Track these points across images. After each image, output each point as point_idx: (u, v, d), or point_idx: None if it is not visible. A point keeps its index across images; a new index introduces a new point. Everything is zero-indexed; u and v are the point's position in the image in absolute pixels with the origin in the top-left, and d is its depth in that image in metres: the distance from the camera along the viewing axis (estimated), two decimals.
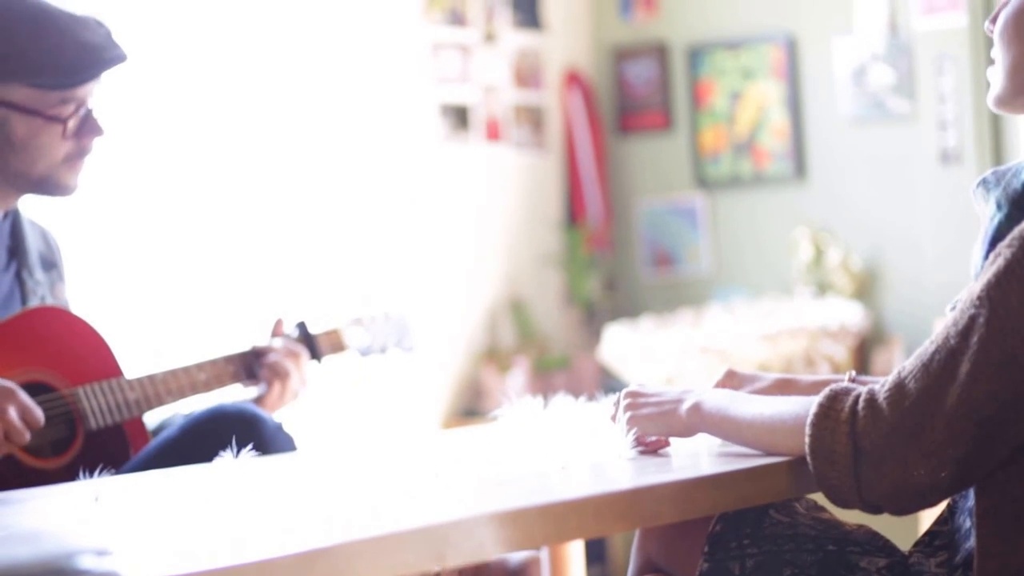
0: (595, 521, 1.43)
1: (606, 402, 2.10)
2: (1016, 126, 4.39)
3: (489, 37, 4.73)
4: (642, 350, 4.24)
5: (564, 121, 4.96)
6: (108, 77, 2.23)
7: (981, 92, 4.36)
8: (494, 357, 4.64)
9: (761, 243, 4.81)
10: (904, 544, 1.71)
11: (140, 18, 3.66)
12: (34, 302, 2.25)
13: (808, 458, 1.51)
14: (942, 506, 1.66)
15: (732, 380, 1.79)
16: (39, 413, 2.05)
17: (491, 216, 4.72)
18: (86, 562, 1.17)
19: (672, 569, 1.74)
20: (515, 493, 1.49)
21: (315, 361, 2.43)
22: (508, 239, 4.77)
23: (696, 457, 1.67)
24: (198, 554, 1.26)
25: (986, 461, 1.46)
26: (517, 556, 2.19)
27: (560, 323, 4.93)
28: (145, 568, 1.21)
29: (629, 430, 1.70)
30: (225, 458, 1.70)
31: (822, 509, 1.72)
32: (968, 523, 1.56)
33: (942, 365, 1.46)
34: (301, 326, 2.45)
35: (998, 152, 4.41)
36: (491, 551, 1.34)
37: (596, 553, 4.46)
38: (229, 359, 2.35)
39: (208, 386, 2.31)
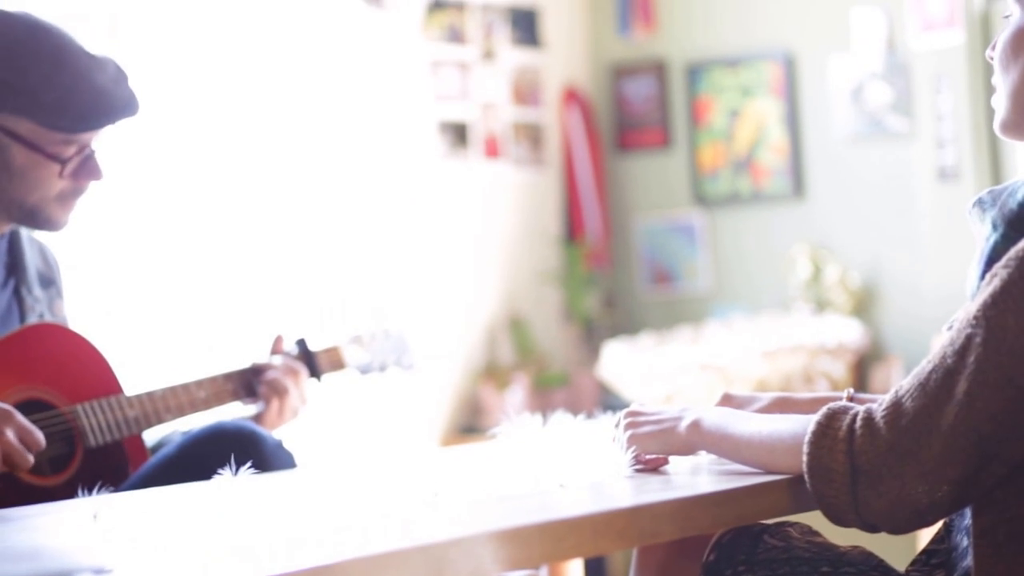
0: (594, 539, 1.43)
1: (605, 420, 2.10)
2: (1014, 144, 4.40)
3: (488, 55, 4.75)
4: (641, 367, 4.24)
5: (563, 138, 4.97)
6: (116, 127, 2.22)
7: (979, 110, 4.37)
8: (493, 374, 4.64)
9: (760, 260, 4.81)
10: (901, 563, 1.71)
11: (138, 57, 3.67)
12: (33, 319, 2.25)
13: (806, 476, 1.52)
14: (939, 525, 1.66)
15: (730, 403, 1.79)
16: (39, 435, 2.05)
17: (490, 233, 4.73)
18: None
19: None
20: (514, 511, 1.49)
21: (314, 379, 2.43)
22: (507, 256, 4.78)
23: (695, 475, 1.67)
24: (196, 572, 1.26)
25: (983, 480, 1.47)
26: (516, 575, 2.19)
27: (559, 340, 4.93)
28: None
29: (628, 448, 1.70)
30: (224, 476, 1.70)
31: (816, 533, 1.73)
32: (965, 542, 1.56)
33: (939, 384, 1.46)
34: (301, 343, 2.45)
35: (996, 170, 4.41)
36: (490, 570, 1.34)
37: (595, 572, 4.46)
38: (229, 376, 2.35)
39: (208, 404, 2.31)
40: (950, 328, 1.55)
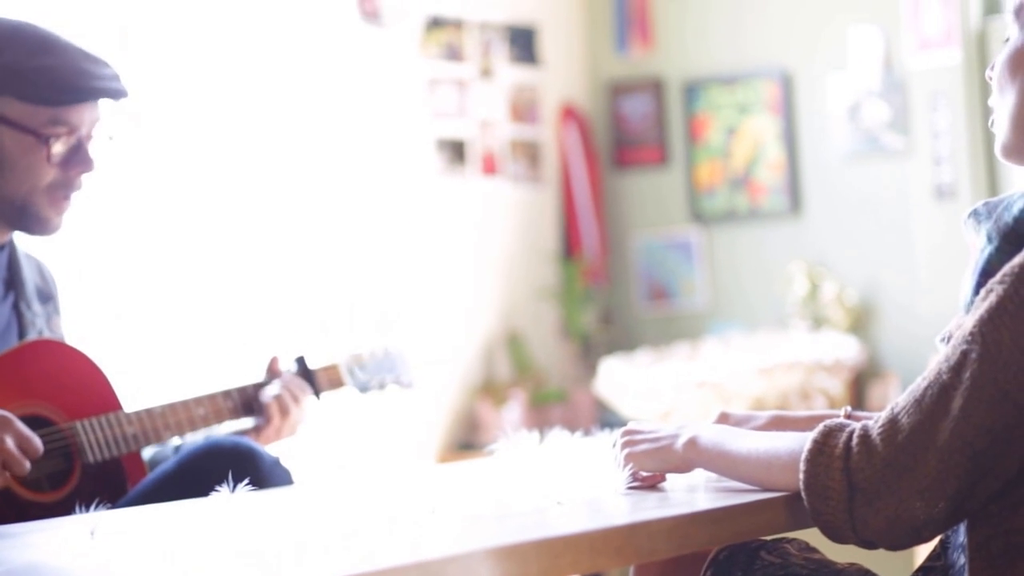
0: (591, 556, 1.43)
1: (603, 437, 2.10)
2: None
3: (486, 72, 4.76)
4: (638, 383, 4.25)
5: (560, 155, 4.98)
6: (105, 110, 2.23)
7: (976, 129, 4.39)
8: (490, 390, 4.64)
9: (756, 277, 4.82)
10: None
11: (144, 73, 3.69)
12: (32, 333, 2.26)
13: (803, 494, 1.52)
14: (934, 542, 1.66)
15: (727, 422, 1.79)
16: (38, 442, 2.05)
17: (487, 250, 4.74)
18: None
19: None
20: (511, 528, 1.49)
21: (313, 397, 2.44)
22: (504, 272, 4.79)
23: (692, 492, 1.67)
24: None
25: (979, 495, 1.47)
26: None
27: (556, 356, 4.93)
28: None
29: (625, 466, 1.70)
30: (221, 492, 1.71)
31: (814, 550, 1.73)
32: (962, 559, 1.57)
33: (935, 400, 1.47)
34: (300, 361, 2.46)
35: (993, 188, 4.43)
36: None
37: None
38: (228, 394, 2.35)
39: (207, 421, 2.31)
40: (943, 340, 1.55)
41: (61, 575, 1.42)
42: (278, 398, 2.34)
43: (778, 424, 1.76)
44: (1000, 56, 1.62)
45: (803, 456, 1.52)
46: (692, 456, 1.67)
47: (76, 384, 2.21)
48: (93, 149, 2.21)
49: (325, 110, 4.24)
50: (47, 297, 2.33)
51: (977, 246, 1.60)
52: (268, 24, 4.09)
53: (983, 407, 1.44)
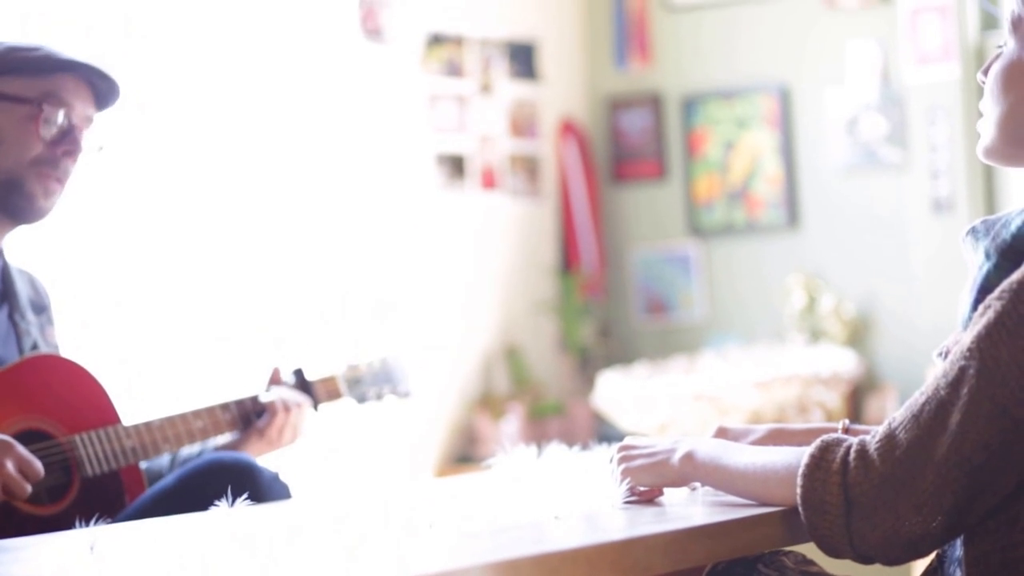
0: (588, 571, 1.43)
1: (600, 451, 2.10)
2: (1008, 176, 4.42)
3: (486, 88, 4.77)
4: (636, 397, 4.25)
5: (559, 170, 4.99)
6: (98, 120, 2.25)
7: (973, 142, 4.38)
8: (488, 404, 4.64)
9: (754, 290, 4.83)
10: None
11: (133, 78, 3.70)
12: (27, 343, 2.26)
13: (800, 508, 1.52)
14: (931, 557, 1.67)
15: (725, 436, 1.80)
16: (38, 466, 2.06)
17: (486, 263, 4.74)
18: None
19: None
20: (508, 542, 1.49)
21: (311, 409, 2.44)
22: (503, 286, 4.79)
23: (689, 507, 1.68)
24: None
25: (977, 510, 1.48)
26: None
27: (554, 370, 4.94)
28: None
29: (622, 480, 1.70)
30: (220, 507, 1.71)
31: (811, 563, 1.73)
32: (959, 574, 1.57)
33: (932, 416, 1.47)
34: (298, 373, 2.46)
35: (990, 201, 4.44)
36: None
37: None
38: (226, 407, 2.36)
39: (205, 434, 2.31)
40: (940, 355, 1.56)
41: None
42: (273, 411, 2.35)
43: (776, 437, 1.76)
44: (996, 64, 1.63)
45: (800, 471, 1.52)
46: (689, 470, 1.67)
47: (75, 398, 2.21)
48: (81, 136, 2.23)
49: (327, 125, 4.25)
50: (40, 308, 2.34)
51: (975, 263, 1.60)
52: (272, 41, 4.10)
53: (981, 423, 1.45)
